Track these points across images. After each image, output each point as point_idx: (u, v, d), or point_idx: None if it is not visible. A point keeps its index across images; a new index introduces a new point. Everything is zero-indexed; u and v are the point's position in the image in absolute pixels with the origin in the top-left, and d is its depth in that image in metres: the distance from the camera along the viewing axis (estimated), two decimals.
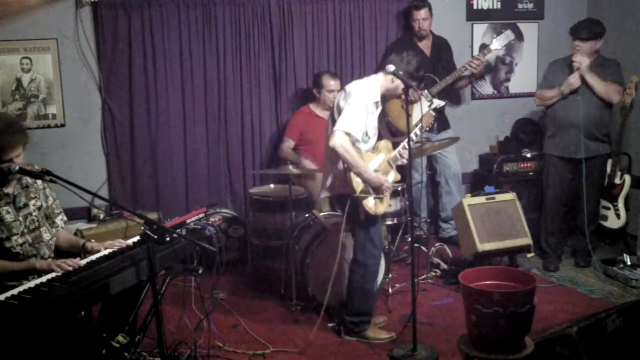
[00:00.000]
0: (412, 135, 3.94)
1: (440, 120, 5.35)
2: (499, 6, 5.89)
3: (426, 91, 5.08)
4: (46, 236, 3.26)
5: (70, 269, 2.91)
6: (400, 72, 3.65)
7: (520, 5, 5.95)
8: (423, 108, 4.03)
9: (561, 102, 4.82)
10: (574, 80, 4.72)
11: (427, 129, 4.30)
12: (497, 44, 5.32)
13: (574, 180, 4.99)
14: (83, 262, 3.01)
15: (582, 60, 4.69)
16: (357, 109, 3.66)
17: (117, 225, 4.74)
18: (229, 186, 5.48)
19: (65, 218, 3.45)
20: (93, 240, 3.37)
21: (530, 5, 5.98)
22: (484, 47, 5.57)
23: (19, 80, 4.89)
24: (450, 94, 5.62)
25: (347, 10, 5.47)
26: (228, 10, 5.19)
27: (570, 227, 5.31)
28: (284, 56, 5.38)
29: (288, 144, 5.18)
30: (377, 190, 3.75)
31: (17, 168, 3.00)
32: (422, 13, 5.31)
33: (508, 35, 5.33)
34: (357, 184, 3.69)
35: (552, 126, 4.96)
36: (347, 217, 3.79)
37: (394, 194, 4.34)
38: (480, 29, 5.89)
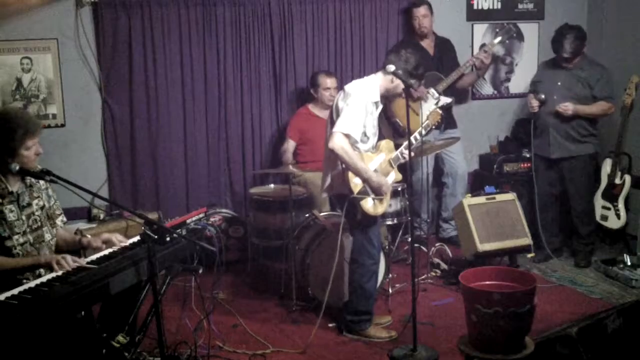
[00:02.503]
0: (417, 134, 3.93)
1: (448, 119, 5.34)
2: (499, 6, 5.89)
3: (432, 89, 5.07)
4: (47, 236, 3.26)
5: (70, 268, 2.91)
6: (400, 72, 3.63)
7: (520, 5, 5.95)
8: (430, 106, 4.01)
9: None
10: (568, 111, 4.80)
11: (434, 127, 4.29)
12: (499, 38, 5.39)
13: (561, 180, 5.04)
14: (85, 261, 3.01)
15: (566, 109, 4.78)
16: (355, 109, 3.65)
17: (117, 225, 4.74)
18: (229, 186, 5.47)
19: (64, 219, 3.44)
20: (89, 236, 3.35)
21: (530, 5, 5.98)
22: (485, 45, 5.57)
23: (19, 80, 4.88)
24: (457, 93, 5.61)
25: (347, 10, 5.46)
26: (228, 10, 5.18)
27: (570, 227, 5.31)
28: (284, 56, 5.37)
29: (289, 144, 5.18)
30: (376, 191, 3.74)
31: (17, 168, 3.00)
32: (421, 10, 5.32)
33: (510, 29, 5.41)
34: (355, 184, 3.69)
35: (537, 125, 5.06)
36: (345, 217, 3.79)
37: (395, 193, 4.34)
38: (481, 29, 5.89)
